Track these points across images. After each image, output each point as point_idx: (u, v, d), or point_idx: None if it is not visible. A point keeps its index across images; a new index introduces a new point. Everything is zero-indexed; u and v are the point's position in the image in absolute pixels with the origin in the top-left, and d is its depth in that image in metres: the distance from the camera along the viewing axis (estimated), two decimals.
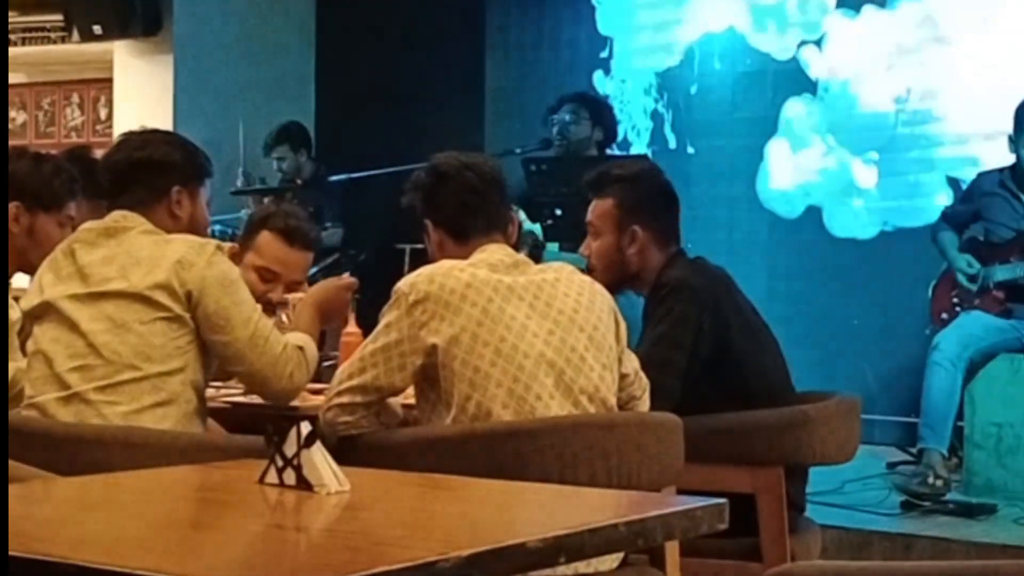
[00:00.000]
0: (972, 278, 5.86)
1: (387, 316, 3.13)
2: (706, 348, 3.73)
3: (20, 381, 3.46)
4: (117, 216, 3.41)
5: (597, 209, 3.93)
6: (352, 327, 3.80)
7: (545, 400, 3.08)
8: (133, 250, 3.32)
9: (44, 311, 3.35)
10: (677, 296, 3.75)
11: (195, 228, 3.47)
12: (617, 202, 3.89)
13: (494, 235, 3.29)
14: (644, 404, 3.41)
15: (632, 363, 3.36)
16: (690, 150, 7.87)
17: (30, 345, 3.38)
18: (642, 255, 3.87)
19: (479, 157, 3.43)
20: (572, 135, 6.56)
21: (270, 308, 3.76)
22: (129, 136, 3.52)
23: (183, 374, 3.27)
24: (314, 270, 7.00)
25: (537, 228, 5.90)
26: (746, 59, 7.66)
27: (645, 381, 3.41)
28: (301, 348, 3.39)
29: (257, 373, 3.30)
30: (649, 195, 3.94)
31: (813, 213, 7.46)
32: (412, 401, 3.22)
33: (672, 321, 3.71)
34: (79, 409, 3.23)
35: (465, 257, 3.21)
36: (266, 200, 7.21)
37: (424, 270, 3.17)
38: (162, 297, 3.25)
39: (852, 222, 7.33)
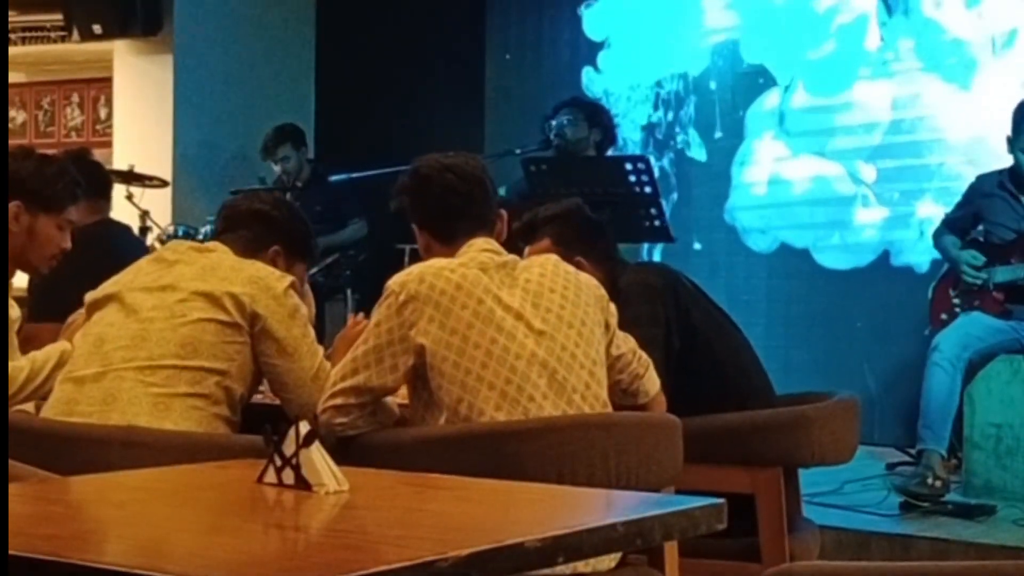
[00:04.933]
0: (978, 269, 5.84)
1: (377, 314, 3.13)
2: (676, 339, 3.77)
3: (17, 378, 3.49)
4: (208, 243, 3.57)
5: (535, 252, 3.86)
6: (350, 321, 3.82)
7: (538, 401, 3.07)
8: (216, 262, 3.43)
9: (108, 300, 3.43)
10: (637, 298, 3.78)
11: None
12: (553, 240, 3.83)
13: (480, 235, 3.27)
14: (649, 380, 3.44)
15: (628, 343, 3.38)
16: (687, 152, 7.87)
17: (84, 328, 3.44)
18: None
19: (461, 157, 3.38)
20: (570, 138, 6.57)
21: None
22: (263, 192, 3.62)
23: (222, 377, 3.31)
24: (313, 270, 7.02)
25: None
26: (745, 65, 7.67)
27: (646, 358, 3.43)
28: None
29: (314, 405, 3.32)
30: (581, 229, 3.92)
31: (814, 216, 7.48)
32: (407, 400, 3.23)
33: (640, 323, 3.71)
34: (111, 384, 3.27)
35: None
36: None
37: (415, 268, 3.17)
38: (229, 303, 3.32)
39: (852, 235, 7.34)
